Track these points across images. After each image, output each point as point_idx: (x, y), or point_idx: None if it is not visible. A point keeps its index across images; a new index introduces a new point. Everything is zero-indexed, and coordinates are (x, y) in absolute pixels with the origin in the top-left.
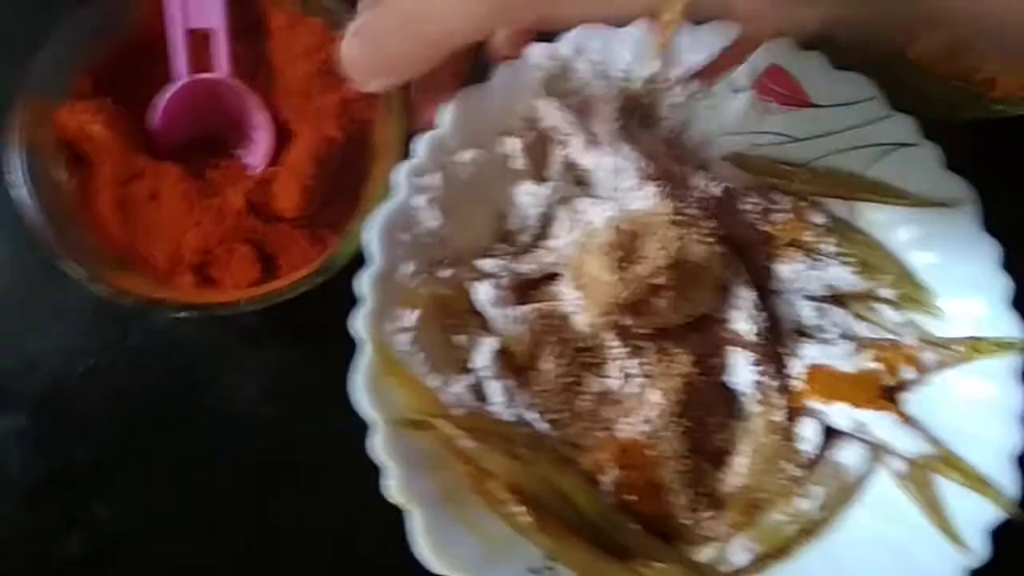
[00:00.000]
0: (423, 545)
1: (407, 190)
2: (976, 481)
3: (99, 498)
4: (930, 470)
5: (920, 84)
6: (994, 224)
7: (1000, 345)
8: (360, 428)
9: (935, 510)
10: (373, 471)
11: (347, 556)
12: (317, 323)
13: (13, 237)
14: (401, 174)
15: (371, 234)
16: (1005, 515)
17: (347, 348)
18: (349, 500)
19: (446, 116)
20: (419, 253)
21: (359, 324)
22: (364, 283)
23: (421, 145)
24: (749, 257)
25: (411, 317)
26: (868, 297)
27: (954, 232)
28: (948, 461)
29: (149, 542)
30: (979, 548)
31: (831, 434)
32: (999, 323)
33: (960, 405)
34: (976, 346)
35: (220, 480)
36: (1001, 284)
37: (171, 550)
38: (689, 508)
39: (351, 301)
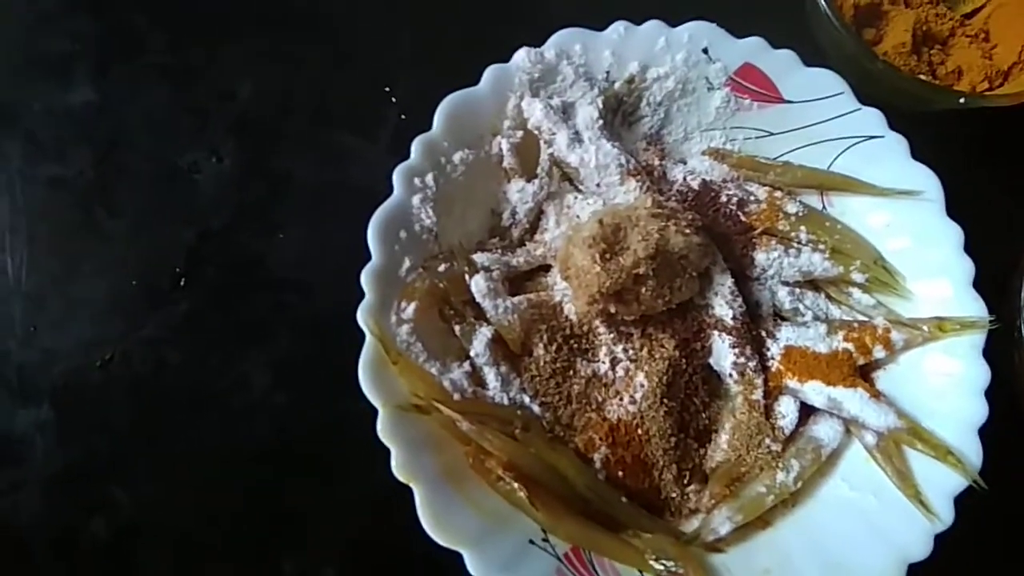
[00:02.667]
0: (425, 519)
1: (403, 190)
2: (942, 452)
3: (119, 484)
4: (900, 442)
5: (889, 79)
6: (957, 210)
7: (964, 324)
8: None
9: (905, 479)
10: (385, 452)
11: (363, 533)
12: (317, 315)
13: (29, 236)
14: (397, 175)
15: (370, 233)
16: (968, 483)
17: (351, 339)
18: (362, 480)
19: (437, 119)
20: (416, 249)
21: (362, 317)
22: (365, 278)
23: (415, 147)
24: (727, 246)
25: (410, 309)
26: (840, 281)
27: (920, 218)
28: (916, 433)
29: (168, 525)
30: (945, 515)
31: (807, 410)
32: (963, 304)
33: (928, 381)
34: (941, 325)
35: (236, 464)
36: (964, 267)
37: (189, 533)
38: (675, 482)
39: (354, 295)
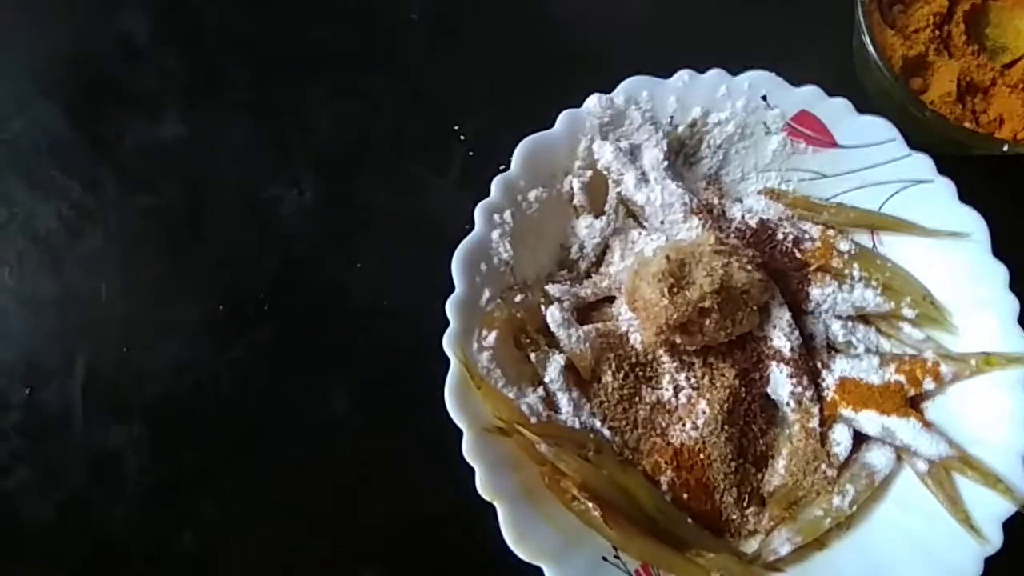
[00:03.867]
0: (508, 535)
1: (483, 226)
2: (991, 479)
3: (207, 498)
4: (950, 469)
5: (938, 127)
6: (1003, 249)
7: (1010, 359)
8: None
9: (955, 505)
10: (469, 472)
11: (440, 549)
12: (394, 340)
13: (123, 262)
14: (478, 212)
15: (454, 265)
16: (1016, 509)
17: (426, 363)
18: (438, 498)
19: (515, 160)
20: (494, 280)
21: (447, 344)
22: (450, 308)
23: (494, 186)
24: (784, 282)
25: (491, 337)
26: (891, 316)
27: (967, 258)
28: (965, 461)
29: (252, 538)
30: (994, 538)
31: (861, 438)
32: (1009, 339)
33: (976, 412)
34: (988, 360)
35: (317, 481)
36: (1010, 303)
37: (272, 546)
38: (736, 505)
39: (428, 321)
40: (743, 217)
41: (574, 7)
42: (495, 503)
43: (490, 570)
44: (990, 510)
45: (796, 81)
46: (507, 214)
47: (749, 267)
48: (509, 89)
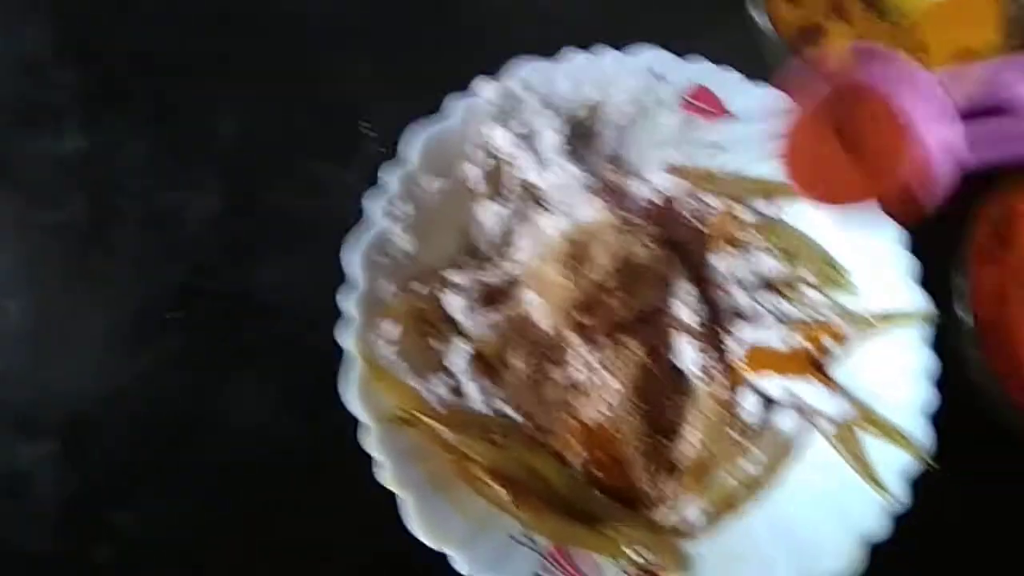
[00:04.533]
0: (416, 525)
1: (379, 217)
2: (893, 435)
3: (124, 511)
4: (855, 428)
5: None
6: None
7: (909, 316)
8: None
9: (861, 463)
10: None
11: (356, 539)
12: (306, 339)
13: (28, 279)
14: (373, 203)
15: (352, 259)
16: (920, 464)
17: (337, 359)
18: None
19: (412, 151)
20: (396, 272)
21: (348, 339)
22: (349, 303)
23: (391, 178)
24: (688, 255)
25: (391, 329)
26: (793, 281)
27: (863, 219)
28: (869, 419)
29: (172, 547)
30: (900, 494)
31: (769, 404)
32: (907, 297)
33: (879, 370)
34: (888, 318)
35: (233, 485)
36: (906, 261)
37: (192, 552)
38: (649, 477)
39: (339, 318)
40: (645, 194)
41: None
42: (401, 494)
43: (401, 559)
44: (895, 466)
45: (694, 54)
46: (404, 204)
47: (650, 243)
48: (413, 80)
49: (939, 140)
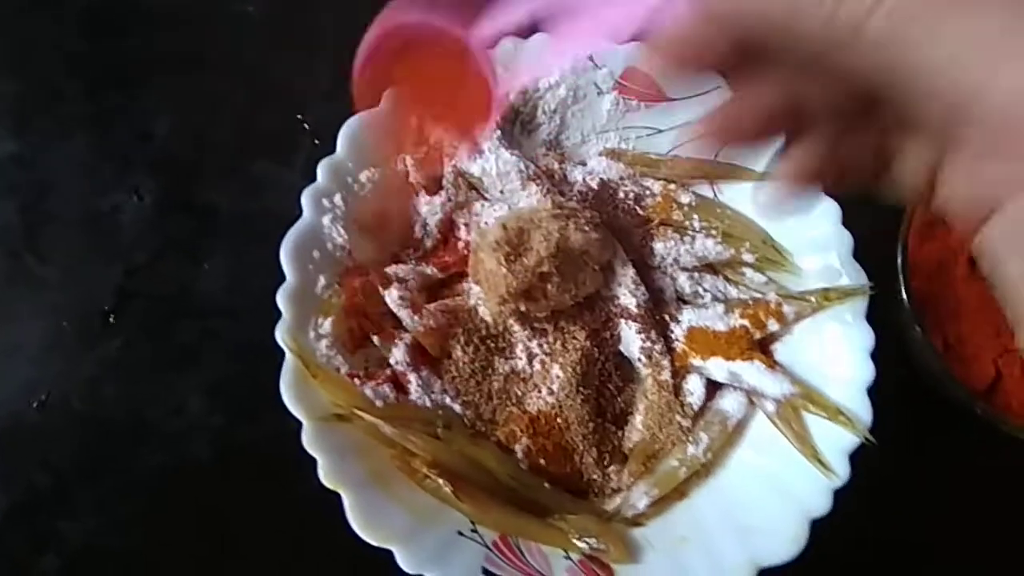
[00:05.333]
0: (354, 521)
1: (311, 212)
2: (833, 412)
3: (66, 518)
4: (796, 407)
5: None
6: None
7: (847, 292)
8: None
9: (803, 441)
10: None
11: (300, 539)
12: (246, 338)
13: None
14: (305, 198)
15: (282, 254)
16: (860, 440)
17: (278, 358)
18: (298, 489)
19: (340, 142)
20: (330, 267)
21: (280, 335)
22: (281, 299)
23: (320, 170)
24: (627, 239)
25: (327, 324)
26: (734, 262)
27: (802, 198)
28: (810, 397)
29: (116, 552)
30: (841, 471)
31: (713, 386)
32: (845, 274)
33: (820, 348)
34: (827, 295)
35: (175, 487)
36: (844, 239)
37: (138, 556)
38: (596, 465)
39: (278, 316)
40: (584, 179)
41: None
42: (339, 491)
43: (345, 556)
44: (836, 444)
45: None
46: (337, 198)
47: (587, 228)
48: (351, 75)
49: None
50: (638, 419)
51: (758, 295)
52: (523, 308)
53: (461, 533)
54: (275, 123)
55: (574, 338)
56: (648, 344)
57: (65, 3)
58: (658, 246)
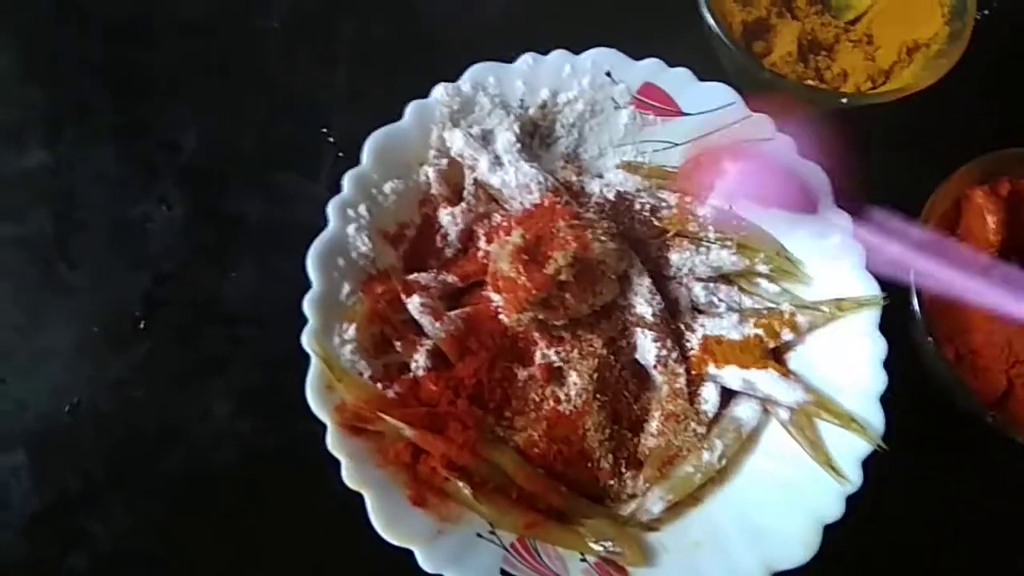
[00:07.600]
0: (377, 522)
1: (337, 221)
2: (846, 419)
3: (95, 519)
4: (809, 415)
5: (778, 86)
6: (843, 199)
7: (859, 303)
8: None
9: (816, 448)
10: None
11: (323, 542)
12: (271, 345)
13: None
14: (331, 208)
15: (309, 262)
16: (872, 447)
17: (303, 364)
18: (321, 492)
19: (366, 154)
20: (354, 275)
21: (306, 340)
22: (307, 305)
23: (346, 181)
24: (644, 250)
25: (351, 330)
26: (748, 273)
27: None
28: (823, 405)
29: (143, 553)
30: (854, 477)
31: (727, 394)
32: (858, 284)
33: (834, 357)
34: (840, 305)
35: (201, 491)
36: (857, 250)
37: (163, 558)
38: (612, 470)
39: (304, 323)
40: (601, 191)
41: (431, 3)
42: (362, 492)
43: (378, 557)
44: (849, 450)
45: (650, 55)
46: (362, 208)
47: (604, 238)
48: (374, 87)
49: None
50: (654, 426)
51: (772, 305)
52: (541, 316)
53: (480, 535)
54: (299, 135)
55: (591, 346)
56: (664, 352)
57: (92, 16)
58: (674, 257)
